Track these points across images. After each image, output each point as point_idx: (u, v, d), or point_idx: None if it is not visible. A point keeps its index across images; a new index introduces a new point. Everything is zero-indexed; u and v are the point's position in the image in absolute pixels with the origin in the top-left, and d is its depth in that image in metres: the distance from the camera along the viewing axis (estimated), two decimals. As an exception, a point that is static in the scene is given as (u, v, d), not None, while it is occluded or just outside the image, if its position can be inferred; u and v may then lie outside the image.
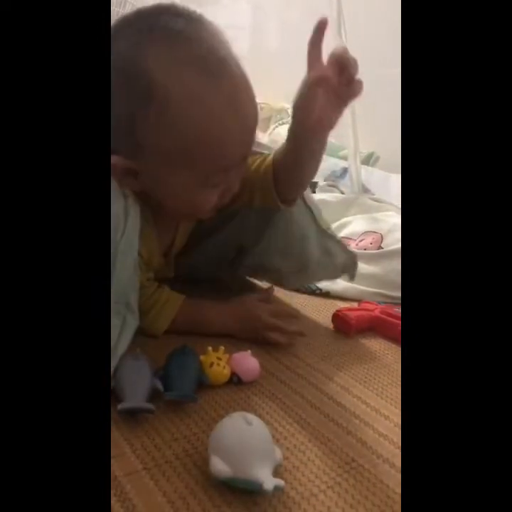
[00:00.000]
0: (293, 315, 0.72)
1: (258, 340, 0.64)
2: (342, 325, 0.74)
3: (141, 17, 0.50)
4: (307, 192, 0.70)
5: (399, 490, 0.43)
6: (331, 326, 0.75)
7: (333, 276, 0.81)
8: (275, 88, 1.47)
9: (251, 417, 0.42)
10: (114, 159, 0.49)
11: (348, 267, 0.78)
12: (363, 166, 1.22)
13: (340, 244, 0.76)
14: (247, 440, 0.40)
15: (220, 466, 0.39)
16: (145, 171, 0.52)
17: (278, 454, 0.42)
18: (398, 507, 0.41)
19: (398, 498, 0.42)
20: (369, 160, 1.30)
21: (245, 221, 0.69)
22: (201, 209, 0.57)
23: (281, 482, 0.38)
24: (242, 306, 0.66)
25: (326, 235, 0.73)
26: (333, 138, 1.48)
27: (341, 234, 1.05)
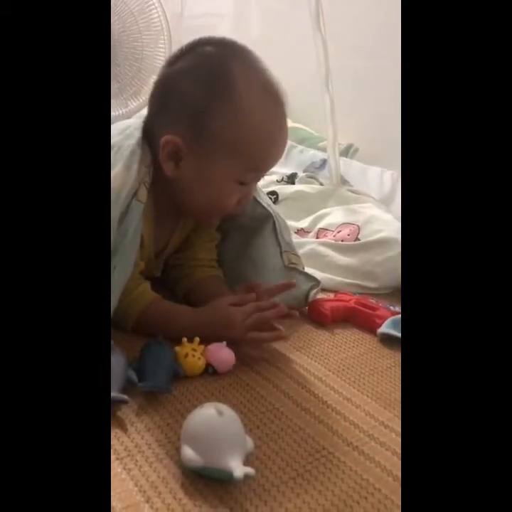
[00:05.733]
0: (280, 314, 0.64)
1: (239, 350, 0.59)
2: (318, 316, 0.75)
3: (221, 40, 0.63)
4: (282, 224, 0.78)
5: (366, 476, 0.44)
6: (306, 317, 0.76)
7: (295, 304, 0.74)
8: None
9: (222, 407, 0.42)
10: (171, 137, 0.59)
11: (311, 289, 0.77)
12: (341, 157, 1.22)
13: (305, 274, 0.78)
14: (218, 430, 0.40)
15: (191, 456, 0.40)
16: (192, 155, 0.60)
17: (249, 443, 0.43)
18: (365, 492, 0.42)
19: (365, 484, 0.43)
20: (348, 152, 1.31)
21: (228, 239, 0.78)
22: (222, 206, 0.64)
23: (251, 470, 0.39)
24: (212, 311, 0.62)
25: (290, 268, 0.77)
26: (312, 129, 1.49)
27: (319, 225, 1.06)
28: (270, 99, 0.61)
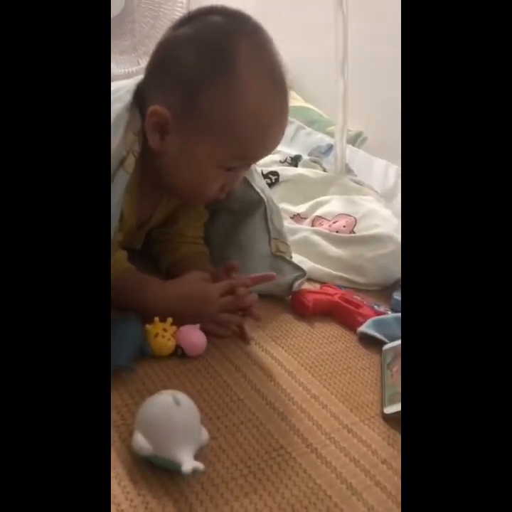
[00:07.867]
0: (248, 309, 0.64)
1: (205, 325, 0.58)
2: (299, 307, 0.74)
3: (235, 12, 0.58)
4: (274, 210, 0.76)
5: (320, 481, 0.43)
6: (289, 306, 0.74)
7: (278, 292, 0.75)
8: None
9: (181, 396, 0.41)
10: (159, 107, 0.56)
11: (296, 279, 0.76)
12: (348, 145, 1.19)
13: (291, 263, 0.77)
14: (172, 420, 0.39)
15: (141, 443, 0.39)
16: (179, 131, 0.57)
17: (204, 435, 0.42)
18: (315, 498, 0.42)
19: (317, 489, 0.43)
20: (356, 140, 1.27)
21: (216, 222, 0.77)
22: (203, 190, 0.61)
23: (200, 465, 0.38)
24: (187, 285, 0.60)
25: (277, 256, 0.75)
26: (324, 112, 1.44)
27: (316, 213, 1.04)
28: (271, 85, 0.57)
